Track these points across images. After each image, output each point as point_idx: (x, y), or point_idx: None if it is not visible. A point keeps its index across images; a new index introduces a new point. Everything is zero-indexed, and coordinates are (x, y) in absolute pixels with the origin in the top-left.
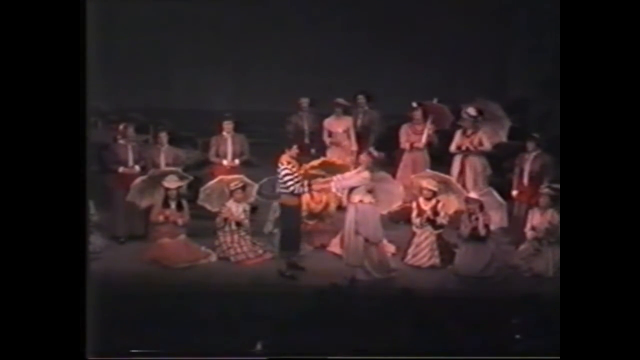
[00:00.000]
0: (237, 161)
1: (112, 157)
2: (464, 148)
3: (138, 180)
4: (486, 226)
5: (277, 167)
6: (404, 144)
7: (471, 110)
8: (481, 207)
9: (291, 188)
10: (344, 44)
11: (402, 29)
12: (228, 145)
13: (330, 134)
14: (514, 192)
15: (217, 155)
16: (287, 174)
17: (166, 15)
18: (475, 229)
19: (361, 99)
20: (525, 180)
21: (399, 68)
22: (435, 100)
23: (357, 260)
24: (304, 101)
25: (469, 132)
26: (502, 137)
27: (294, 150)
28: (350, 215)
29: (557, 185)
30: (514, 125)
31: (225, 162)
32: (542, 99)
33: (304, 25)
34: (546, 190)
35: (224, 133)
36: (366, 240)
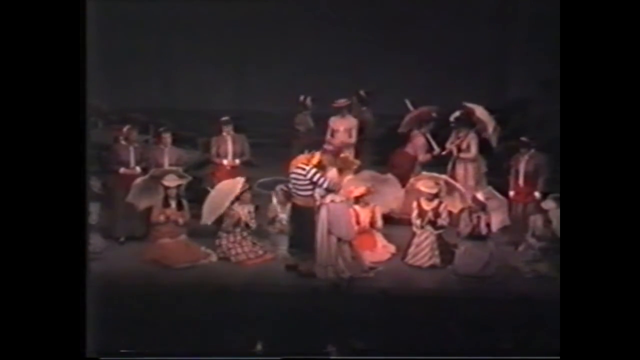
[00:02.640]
0: (237, 161)
1: (114, 157)
2: (449, 149)
3: (139, 180)
4: (487, 225)
5: (301, 169)
6: (425, 156)
7: (451, 117)
8: (484, 207)
9: (325, 185)
10: (344, 45)
11: (402, 29)
12: (228, 145)
13: (333, 133)
14: (511, 193)
15: (218, 155)
16: (314, 174)
17: (166, 15)
18: (476, 228)
19: (354, 100)
20: (521, 181)
21: (398, 68)
22: (408, 103)
23: (329, 259)
24: (308, 99)
25: (461, 134)
26: (490, 140)
27: (324, 154)
28: (322, 215)
29: (557, 195)
30: (513, 125)
31: (225, 161)
32: (542, 100)
33: (304, 26)
34: (547, 199)
35: (224, 133)
36: (339, 239)
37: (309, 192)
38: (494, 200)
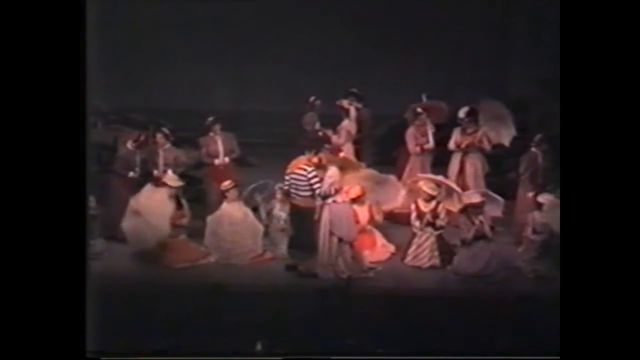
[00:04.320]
0: (227, 159)
1: (123, 163)
2: (464, 146)
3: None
4: (490, 228)
5: (303, 170)
6: (414, 148)
7: (461, 113)
8: (482, 205)
9: (319, 191)
10: (345, 44)
11: (402, 29)
12: (218, 144)
13: (334, 133)
14: (519, 194)
15: (209, 155)
16: (314, 177)
17: (166, 15)
18: (477, 231)
19: (352, 99)
20: (525, 181)
21: (399, 68)
22: (424, 98)
23: (330, 259)
24: (318, 100)
25: (470, 130)
26: (507, 134)
27: (322, 154)
28: (324, 216)
29: (558, 189)
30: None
31: (217, 161)
32: (542, 99)
33: (304, 26)
34: (547, 193)
35: (212, 134)
36: (340, 239)
37: (308, 193)
38: (489, 198)
